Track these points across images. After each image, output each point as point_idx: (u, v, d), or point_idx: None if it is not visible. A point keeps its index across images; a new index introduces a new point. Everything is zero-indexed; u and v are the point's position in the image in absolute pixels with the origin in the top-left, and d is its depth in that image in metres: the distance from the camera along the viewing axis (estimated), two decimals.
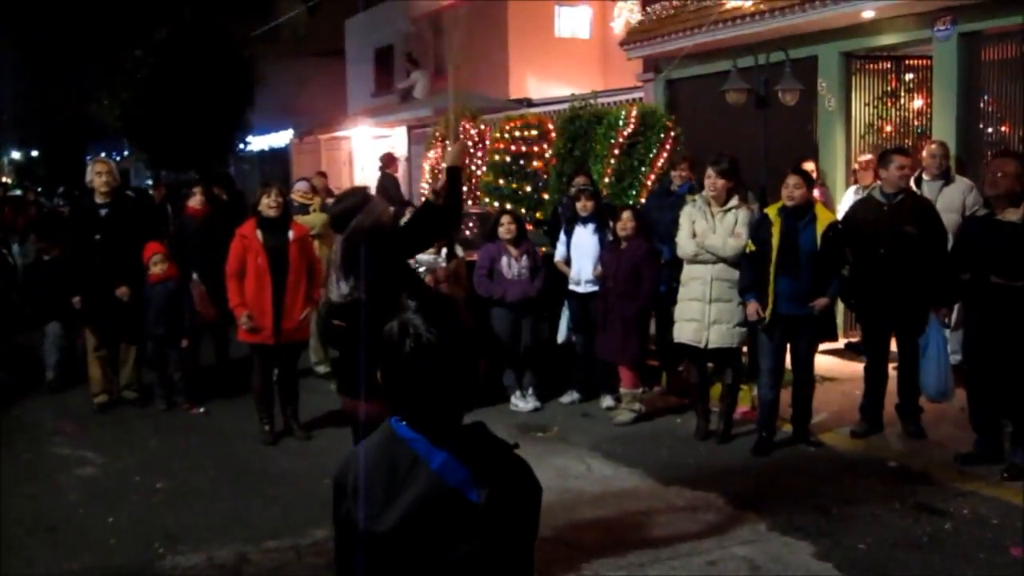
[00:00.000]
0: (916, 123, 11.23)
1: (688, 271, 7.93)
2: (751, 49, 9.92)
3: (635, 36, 13.31)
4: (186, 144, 23.60)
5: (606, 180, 10.46)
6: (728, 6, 11.46)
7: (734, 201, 7.90)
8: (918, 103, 11.15)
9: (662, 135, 10.58)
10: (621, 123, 10.61)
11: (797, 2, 10.46)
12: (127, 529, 6.15)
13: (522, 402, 9.00)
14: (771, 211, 7.43)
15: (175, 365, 9.00)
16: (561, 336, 9.32)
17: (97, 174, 8.75)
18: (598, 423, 8.58)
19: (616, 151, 10.59)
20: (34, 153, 57.87)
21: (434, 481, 2.03)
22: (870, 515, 6.18)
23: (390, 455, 2.10)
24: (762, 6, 10.93)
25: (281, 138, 27.08)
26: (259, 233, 7.89)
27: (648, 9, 13.22)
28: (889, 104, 11.29)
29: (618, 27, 19.60)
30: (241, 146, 26.01)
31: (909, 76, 11.18)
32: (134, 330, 8.93)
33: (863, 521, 6.08)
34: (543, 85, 20.54)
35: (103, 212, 8.74)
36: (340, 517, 2.21)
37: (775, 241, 7.28)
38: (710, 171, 7.83)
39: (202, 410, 9.02)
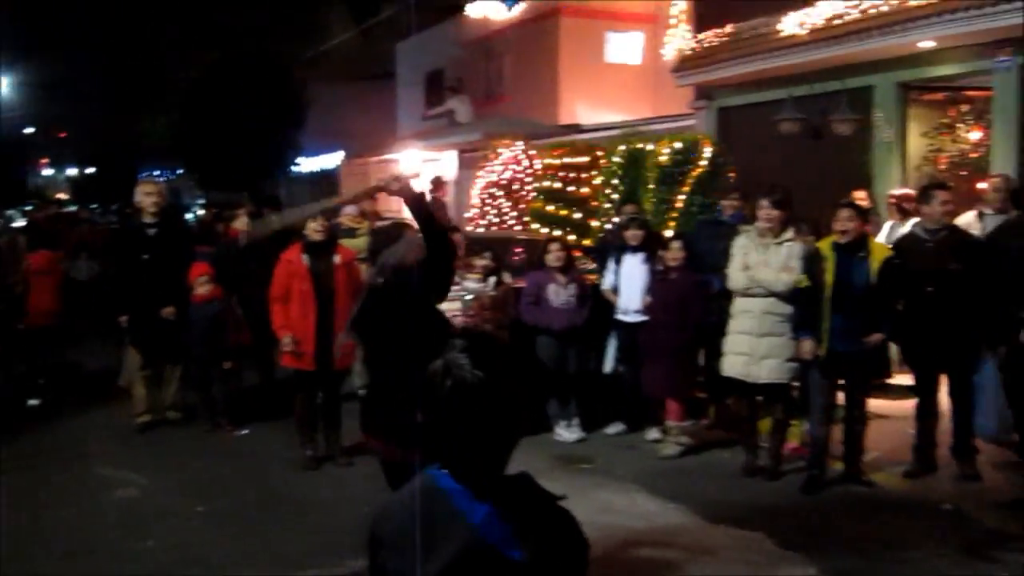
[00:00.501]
0: (973, 155, 11.00)
1: (738, 304, 7.76)
2: (805, 78, 9.78)
3: (687, 63, 13.19)
4: (236, 164, 23.86)
5: (653, 209, 10.32)
6: (783, 34, 11.30)
7: (789, 233, 7.73)
8: (975, 135, 10.92)
9: (713, 165, 10.41)
10: (671, 152, 10.46)
11: (854, 31, 10.29)
12: (164, 554, 6.09)
13: (566, 432, 8.87)
14: (823, 245, 7.26)
15: (218, 386, 8.97)
16: (608, 366, 9.18)
17: (146, 195, 8.80)
18: (643, 456, 8.42)
19: (665, 180, 10.45)
20: (90, 170, 58.86)
21: (474, 536, 1.92)
22: (921, 560, 5.98)
23: (428, 506, 2.00)
24: (818, 35, 10.76)
25: (331, 160, 27.26)
26: (304, 257, 7.85)
27: (700, 36, 13.08)
28: (945, 136, 11.08)
29: (669, 53, 19.58)
30: (291, 167, 26.23)
31: (966, 107, 10.95)
32: (178, 350, 8.93)
33: (913, 567, 5.89)
34: (593, 111, 20.47)
35: (151, 232, 8.77)
36: (375, 569, 2.11)
37: (829, 277, 7.11)
38: (764, 202, 7.67)
39: (245, 432, 8.98)
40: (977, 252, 7.31)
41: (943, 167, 11.07)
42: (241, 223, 9.90)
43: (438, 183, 15.17)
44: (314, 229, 7.89)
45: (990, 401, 7.09)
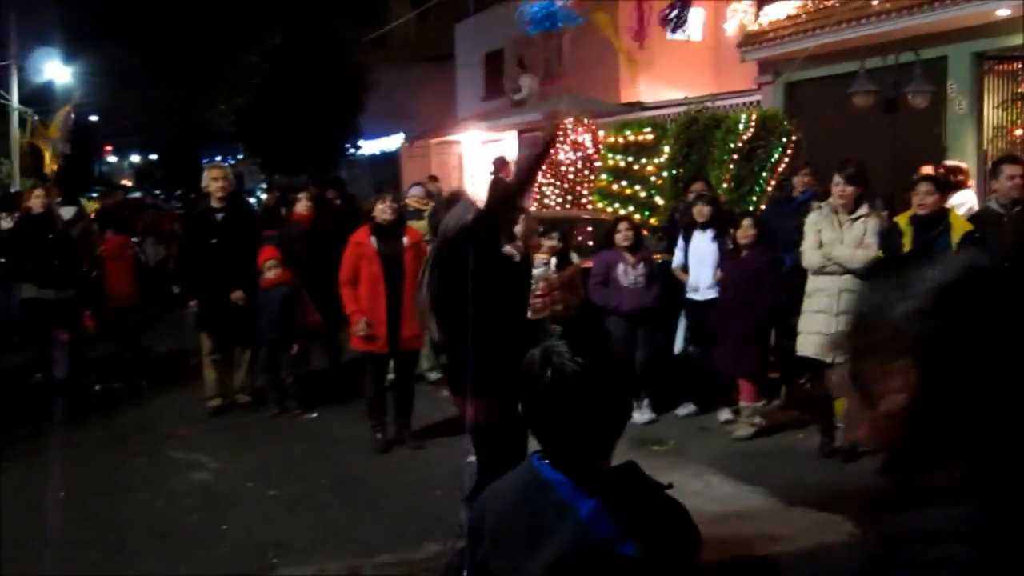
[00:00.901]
0: None
1: (813, 282, 7.59)
2: (876, 50, 9.54)
3: (753, 38, 12.94)
4: (298, 148, 23.98)
5: (724, 186, 10.14)
6: (853, 5, 11.03)
7: (863, 209, 7.55)
8: None
9: (783, 140, 10.21)
10: (741, 128, 10.27)
11: (927, 1, 10.01)
12: (239, 537, 6.11)
13: (637, 414, 8.73)
14: (901, 220, 7.07)
15: (287, 370, 8.98)
16: (678, 347, 9.07)
17: (213, 179, 8.82)
18: (715, 437, 8.30)
19: (735, 156, 10.26)
20: (152, 157, 59.68)
21: (582, 531, 1.83)
22: None
23: (532, 498, 1.92)
24: (888, 5, 10.49)
25: (391, 142, 27.30)
26: (373, 240, 7.82)
27: (765, 9, 12.83)
28: (1021, 107, 10.73)
29: (731, 29, 19.25)
30: (352, 150, 26.30)
31: None
32: (248, 334, 8.96)
33: None
34: (655, 88, 20.23)
35: (218, 217, 8.79)
36: (475, 563, 2.03)
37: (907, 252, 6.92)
38: (837, 177, 7.48)
39: (314, 415, 9.00)
40: None
41: (1017, 139, 10.73)
42: (303, 206, 9.88)
43: (501, 163, 15.08)
44: (382, 210, 7.85)
45: None
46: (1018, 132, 10.77)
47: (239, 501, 6.79)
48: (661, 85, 20.25)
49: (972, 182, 9.43)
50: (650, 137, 12.08)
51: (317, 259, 9.29)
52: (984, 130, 10.52)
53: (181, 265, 9.64)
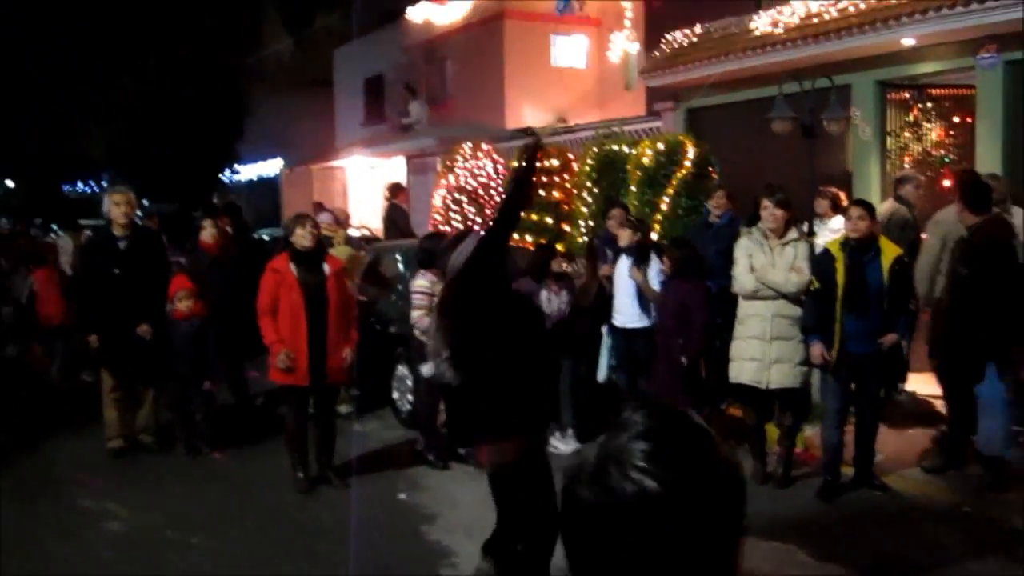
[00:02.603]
0: (948, 153, 10.95)
1: (746, 307, 7.54)
2: (779, 78, 9.62)
3: (655, 64, 12.98)
4: (173, 174, 23.20)
5: (634, 212, 10.07)
6: (757, 33, 11.16)
7: (793, 233, 7.56)
8: (952, 133, 10.89)
9: (699, 166, 10.21)
10: (654, 153, 10.24)
11: (832, 30, 10.18)
12: None
13: (562, 444, 8.56)
14: (833, 246, 7.07)
15: (197, 408, 8.48)
16: (601, 375, 8.91)
17: (115, 204, 8.27)
18: None
19: (648, 182, 10.22)
20: (9, 183, 56.99)
21: None
22: (966, 571, 5.80)
23: None
24: (794, 33, 10.64)
25: (270, 167, 26.67)
26: (293, 267, 7.43)
27: (666, 36, 12.90)
28: (910, 133, 10.99)
29: (615, 57, 19.44)
30: (230, 176, 25.60)
31: (945, 104, 10.91)
32: (154, 370, 8.42)
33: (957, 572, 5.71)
34: (540, 115, 20.25)
35: (122, 245, 8.25)
36: None
37: (840, 278, 6.92)
38: (767, 202, 7.47)
39: (220, 455, 8.51)
40: (996, 256, 7.12)
41: (908, 165, 11.00)
42: (209, 234, 9.41)
43: (397, 189, 14.76)
44: (302, 236, 7.48)
45: (990, 413, 6.91)
46: (899, 159, 11.05)
47: (162, 551, 6.29)
48: (547, 112, 20.29)
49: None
50: (556, 164, 11.97)
51: (226, 290, 8.86)
52: (887, 156, 10.73)
53: (77, 297, 9.00)
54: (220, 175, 25.25)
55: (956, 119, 10.82)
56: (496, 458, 4.60)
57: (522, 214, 5.51)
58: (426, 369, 8.09)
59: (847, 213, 7.32)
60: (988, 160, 9.41)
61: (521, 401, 4.53)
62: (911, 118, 11.03)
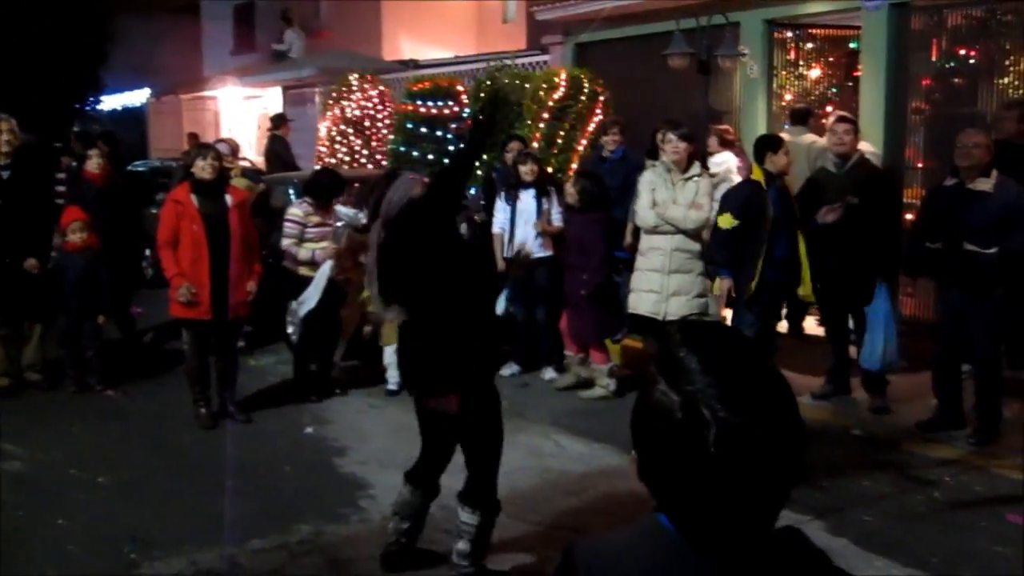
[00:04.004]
0: (829, 92, 11.28)
1: (646, 241, 7.68)
2: (673, 14, 9.74)
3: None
4: (29, 102, 21.99)
5: (535, 146, 10.08)
6: None
7: (696, 169, 7.70)
8: (815, 72, 11.21)
9: (593, 99, 10.27)
10: (551, 87, 10.24)
11: None
12: (84, 532, 5.50)
13: None
14: (758, 177, 7.05)
15: (89, 343, 8.20)
16: (499, 307, 8.95)
17: None
18: (547, 397, 8.29)
19: (545, 116, 10.23)
20: None
21: None
22: (861, 487, 6.11)
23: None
24: None
25: (136, 97, 25.58)
26: (194, 198, 7.21)
27: None
28: (787, 73, 11.24)
29: None
30: (92, 105, 24.47)
31: (827, 44, 11.20)
32: (42, 306, 8.09)
33: (858, 494, 6.01)
34: (418, 47, 19.95)
35: (4, 176, 7.85)
36: None
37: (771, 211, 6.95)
38: (671, 135, 7.58)
39: (112, 392, 8.28)
40: (882, 186, 7.46)
41: (787, 105, 11.28)
42: (95, 164, 9.02)
43: (281, 120, 14.41)
44: (202, 168, 7.25)
45: (880, 331, 7.23)
46: (787, 97, 11.33)
47: (67, 491, 6.11)
48: (425, 43, 20.00)
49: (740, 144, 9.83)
50: (447, 97, 11.86)
51: (113, 222, 8.56)
52: (774, 93, 10.97)
53: None
54: (81, 104, 24.08)
55: (834, 59, 11.14)
56: (440, 407, 4.58)
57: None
58: (301, 307, 8.04)
59: (831, 127, 7.51)
60: (871, 98, 9.72)
61: (465, 351, 4.51)
62: (792, 57, 11.27)
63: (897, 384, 7.64)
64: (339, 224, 8.34)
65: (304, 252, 7.97)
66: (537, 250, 8.51)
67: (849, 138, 7.24)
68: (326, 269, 7.91)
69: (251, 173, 11.20)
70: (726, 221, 6.92)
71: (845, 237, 7.19)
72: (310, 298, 7.90)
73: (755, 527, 1.39)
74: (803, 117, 9.83)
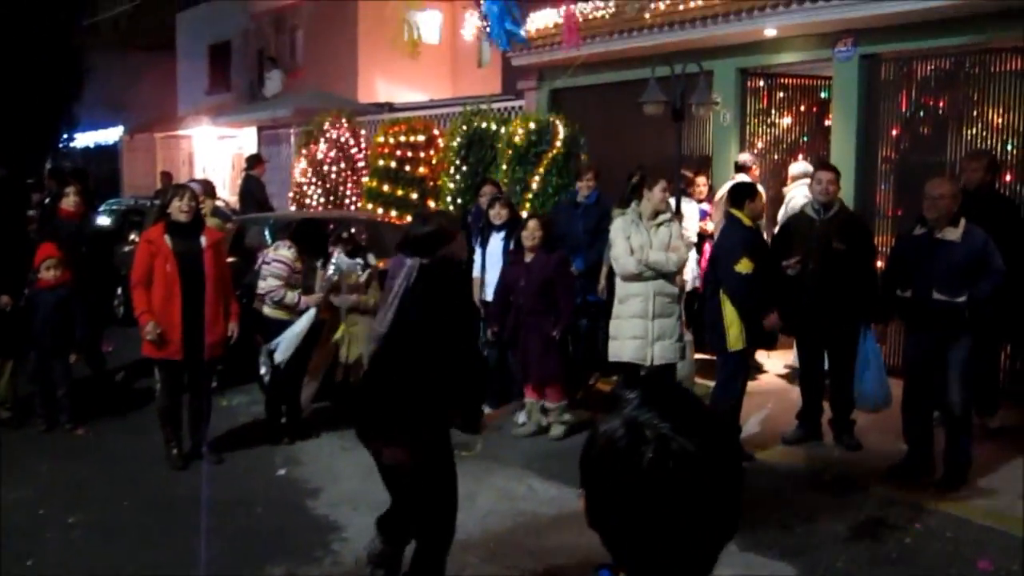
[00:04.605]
0: (786, 139, 11.48)
1: (625, 288, 7.73)
2: (647, 61, 9.89)
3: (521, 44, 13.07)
4: (1, 138, 21.98)
5: (505, 189, 10.18)
6: (623, 17, 11.39)
7: (666, 214, 7.80)
8: (787, 120, 11.42)
9: (567, 144, 10.39)
10: (524, 131, 10.35)
11: (699, 17, 10.49)
12: (53, 573, 5.45)
13: None
14: (747, 220, 7.27)
15: (60, 381, 8.14)
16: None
17: None
18: (520, 439, 8.29)
19: (518, 159, 10.33)
20: None
21: None
22: (832, 532, 6.14)
23: None
24: (660, 19, 10.91)
25: (110, 134, 25.56)
26: (168, 238, 7.22)
27: (532, 16, 13.00)
28: (758, 120, 11.44)
29: (468, 34, 19.47)
30: (65, 142, 24.43)
31: (798, 93, 11.41)
32: (12, 343, 8.04)
33: (828, 538, 6.04)
34: (393, 89, 20.13)
35: None
36: None
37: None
38: (661, 186, 7.69)
39: (82, 431, 8.22)
40: (862, 233, 7.60)
41: (757, 151, 11.46)
42: (72, 202, 9.02)
43: (256, 160, 14.43)
44: (179, 209, 7.27)
45: (871, 371, 7.34)
46: (759, 144, 11.51)
47: (36, 531, 6.04)
48: (400, 86, 20.17)
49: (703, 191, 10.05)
50: (421, 139, 11.95)
51: (87, 259, 8.55)
52: (745, 142, 11.14)
53: None
54: (55, 141, 24.04)
55: (805, 108, 11.35)
56: (389, 459, 4.57)
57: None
58: (278, 352, 8.00)
59: (815, 175, 7.71)
60: (842, 146, 9.91)
61: (431, 399, 4.50)
62: (764, 105, 11.47)
63: (866, 427, 7.73)
64: (331, 271, 8.33)
65: (291, 296, 7.95)
66: None
67: (833, 187, 7.39)
68: (310, 316, 7.92)
69: (222, 212, 11.21)
70: (745, 267, 7.09)
71: (827, 282, 7.32)
72: (288, 343, 7.88)
73: (694, 567, 1.44)
74: (744, 168, 9.96)
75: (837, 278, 7.33)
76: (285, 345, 7.89)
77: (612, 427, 1.45)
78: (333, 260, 8.35)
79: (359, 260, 8.49)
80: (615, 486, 1.43)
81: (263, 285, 7.99)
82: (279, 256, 8.03)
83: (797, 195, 9.23)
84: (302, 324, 7.87)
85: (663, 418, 1.43)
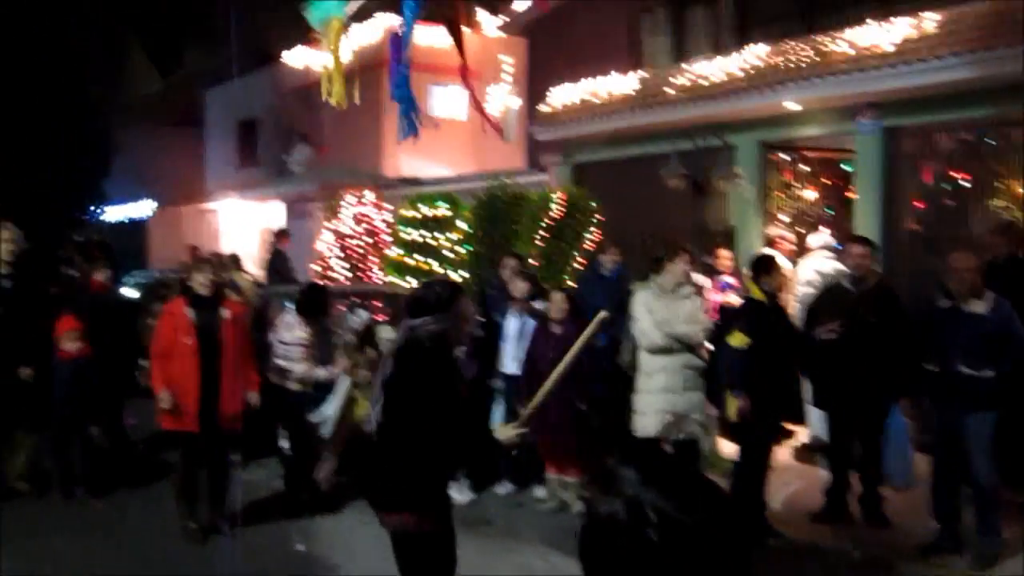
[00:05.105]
0: (809, 213, 11.44)
1: (651, 362, 7.63)
2: (668, 135, 9.96)
3: (544, 119, 13.21)
4: (32, 211, 22.28)
5: (531, 263, 10.18)
6: (645, 92, 11.48)
7: (688, 287, 7.75)
8: (811, 194, 11.41)
9: (591, 219, 10.41)
10: (551, 205, 10.38)
11: (720, 92, 10.55)
12: None
13: (457, 493, 8.48)
14: (759, 297, 7.20)
15: (78, 452, 8.11)
16: (494, 424, 8.89)
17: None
18: (540, 515, 8.16)
19: (544, 233, 10.34)
20: None
21: None
22: None
23: None
24: (682, 94, 10.98)
25: (138, 209, 25.88)
26: (188, 310, 7.26)
27: (554, 91, 13.14)
28: (781, 194, 11.43)
29: (494, 110, 19.67)
30: (94, 215, 24.77)
31: (820, 166, 11.40)
32: (34, 415, 8.04)
33: None
34: (416, 163, 20.28)
35: (4, 284, 7.90)
36: None
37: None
38: (685, 255, 7.67)
39: (101, 504, 8.17)
40: (896, 307, 7.50)
41: (782, 223, 11.44)
42: (104, 275, 9.10)
43: (282, 234, 14.55)
44: (199, 282, 7.32)
45: (896, 448, 7.23)
46: (782, 217, 11.49)
47: None
48: (425, 161, 20.32)
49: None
50: (448, 213, 12.00)
51: (111, 330, 8.58)
52: (768, 214, 11.12)
53: None
54: (84, 214, 24.39)
55: (828, 180, 11.34)
56: (393, 526, 4.49)
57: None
58: (323, 425, 7.97)
59: (847, 249, 7.64)
60: (866, 219, 9.86)
61: (428, 475, 4.43)
62: (787, 179, 11.48)
63: (897, 503, 7.57)
64: (351, 323, 8.36)
65: (323, 372, 7.97)
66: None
67: (865, 261, 7.33)
68: (345, 387, 7.93)
69: (238, 284, 11.23)
70: (738, 340, 7.01)
71: (859, 355, 7.22)
72: (329, 411, 7.91)
73: None
74: (772, 242, 9.92)
75: (869, 352, 7.22)
76: (326, 412, 7.92)
77: (612, 507, 1.45)
78: (347, 321, 8.38)
79: (364, 313, 8.51)
80: (618, 567, 1.42)
81: (286, 366, 7.99)
82: (296, 339, 8.03)
83: (809, 266, 9.17)
84: (340, 396, 7.88)
85: (665, 496, 1.42)
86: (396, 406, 4.38)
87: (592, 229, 10.42)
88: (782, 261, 8.95)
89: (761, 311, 7.08)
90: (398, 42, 6.15)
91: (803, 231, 10.98)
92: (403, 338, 4.42)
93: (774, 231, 10.04)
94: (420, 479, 4.35)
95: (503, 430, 4.62)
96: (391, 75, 6.65)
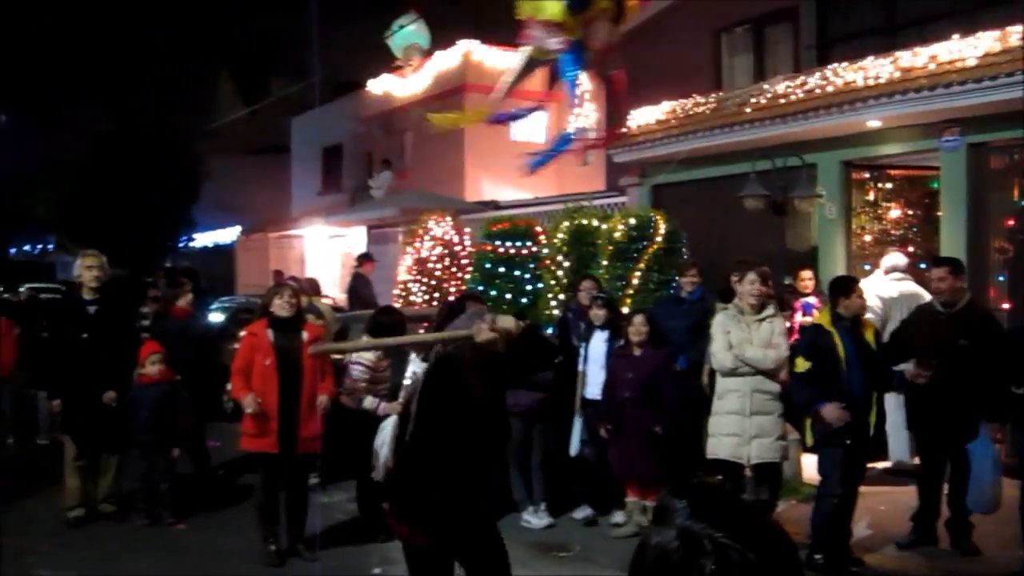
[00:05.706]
0: (894, 232, 11.20)
1: (724, 383, 7.56)
2: (747, 155, 9.81)
3: (623, 141, 13.16)
4: (125, 239, 22.93)
5: (605, 284, 10.08)
6: (723, 112, 11.37)
7: (769, 309, 7.62)
8: (895, 212, 11.16)
9: (672, 241, 10.30)
10: (628, 227, 10.29)
11: (801, 111, 10.40)
12: None
13: (535, 518, 8.46)
14: (824, 320, 7.08)
15: (161, 476, 8.26)
16: (574, 448, 8.82)
17: (87, 268, 8.16)
18: (617, 541, 8.07)
19: (620, 255, 10.26)
20: None
21: None
22: None
23: None
24: (762, 113, 10.85)
25: (226, 235, 26.47)
26: (269, 332, 7.37)
27: (632, 113, 13.10)
28: (864, 213, 11.21)
29: (574, 133, 19.66)
30: (184, 242, 25.40)
31: (904, 184, 11.17)
32: (119, 438, 8.22)
33: None
34: (497, 188, 20.38)
35: (91, 309, 8.10)
36: None
37: (841, 352, 6.89)
38: (753, 277, 7.54)
39: (183, 526, 8.30)
40: (990, 329, 7.27)
41: (866, 245, 11.21)
42: (186, 301, 9.29)
43: (364, 259, 14.71)
44: (280, 306, 7.42)
45: (980, 472, 6.98)
46: (867, 238, 11.26)
47: None
48: (505, 185, 20.42)
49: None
50: (526, 237, 11.97)
51: (195, 356, 8.74)
52: (852, 234, 10.92)
53: (46, 361, 8.75)
54: (174, 241, 25.04)
55: (913, 199, 11.09)
56: (411, 540, 4.49)
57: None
58: (381, 450, 7.96)
59: (928, 272, 7.49)
60: (952, 238, 9.61)
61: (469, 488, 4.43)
62: (871, 197, 11.26)
63: (986, 531, 7.31)
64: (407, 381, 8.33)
65: (370, 401, 7.97)
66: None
67: (945, 284, 7.13)
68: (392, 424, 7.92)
69: (315, 308, 11.36)
70: (800, 365, 6.93)
71: (951, 379, 7.01)
72: (383, 453, 7.91)
73: None
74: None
75: (961, 376, 7.00)
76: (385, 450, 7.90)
77: (665, 538, 1.44)
78: (410, 368, 8.32)
79: None
80: None
81: (348, 384, 8.04)
82: (361, 359, 8.08)
83: (869, 291, 8.93)
84: (390, 436, 7.87)
85: (717, 527, 1.40)
86: (422, 415, 4.44)
87: (670, 251, 10.28)
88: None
89: (818, 335, 6.94)
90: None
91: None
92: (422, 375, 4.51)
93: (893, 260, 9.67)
94: (442, 488, 4.37)
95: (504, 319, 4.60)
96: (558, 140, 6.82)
